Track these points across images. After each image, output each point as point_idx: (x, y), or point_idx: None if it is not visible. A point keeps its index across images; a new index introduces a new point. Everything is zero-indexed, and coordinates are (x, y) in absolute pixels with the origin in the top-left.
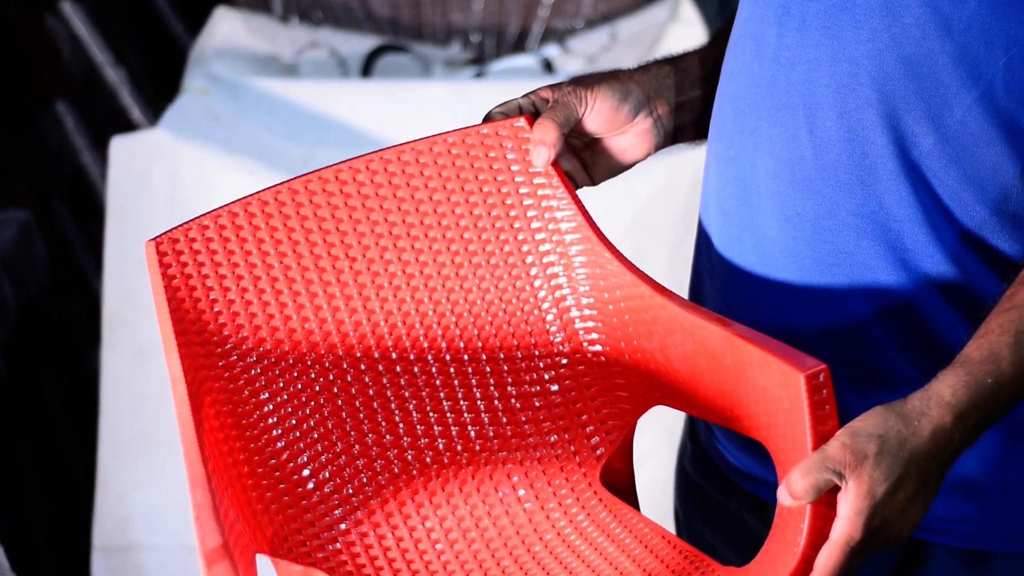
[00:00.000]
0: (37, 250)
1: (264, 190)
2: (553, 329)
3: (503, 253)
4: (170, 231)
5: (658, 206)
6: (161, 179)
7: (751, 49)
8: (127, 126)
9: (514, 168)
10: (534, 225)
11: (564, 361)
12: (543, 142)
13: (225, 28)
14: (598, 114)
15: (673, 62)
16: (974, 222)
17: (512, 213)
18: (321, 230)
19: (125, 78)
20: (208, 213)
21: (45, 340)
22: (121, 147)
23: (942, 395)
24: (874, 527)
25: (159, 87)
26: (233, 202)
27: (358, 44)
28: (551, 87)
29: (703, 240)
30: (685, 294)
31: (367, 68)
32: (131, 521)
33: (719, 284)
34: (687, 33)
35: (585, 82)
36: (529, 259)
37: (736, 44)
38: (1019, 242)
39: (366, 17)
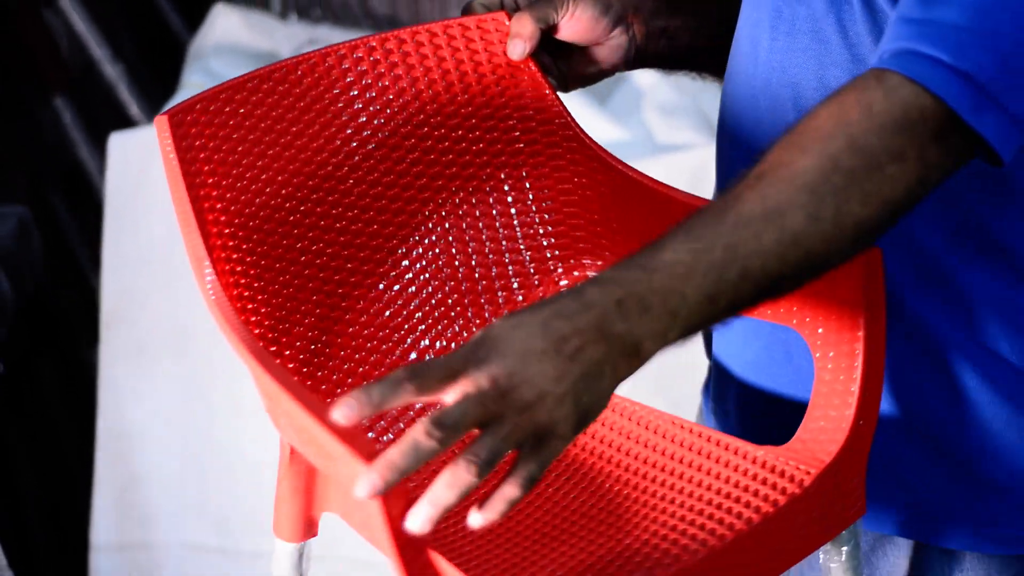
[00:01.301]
0: (34, 245)
1: (255, 71)
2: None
3: (476, 150)
4: (177, 106)
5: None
6: (159, 175)
7: (747, 51)
8: (125, 121)
9: (493, 61)
10: (509, 121)
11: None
12: (519, 35)
13: (223, 24)
14: (577, 21)
15: None
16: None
17: (486, 106)
18: (310, 109)
19: (123, 73)
20: (209, 90)
21: (43, 335)
22: (120, 143)
23: None
24: (496, 348)
25: (157, 83)
26: (232, 80)
27: None
28: None
29: None
30: None
31: None
32: (129, 518)
33: None
34: None
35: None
36: (502, 157)
37: (735, 46)
38: None
39: (364, 14)
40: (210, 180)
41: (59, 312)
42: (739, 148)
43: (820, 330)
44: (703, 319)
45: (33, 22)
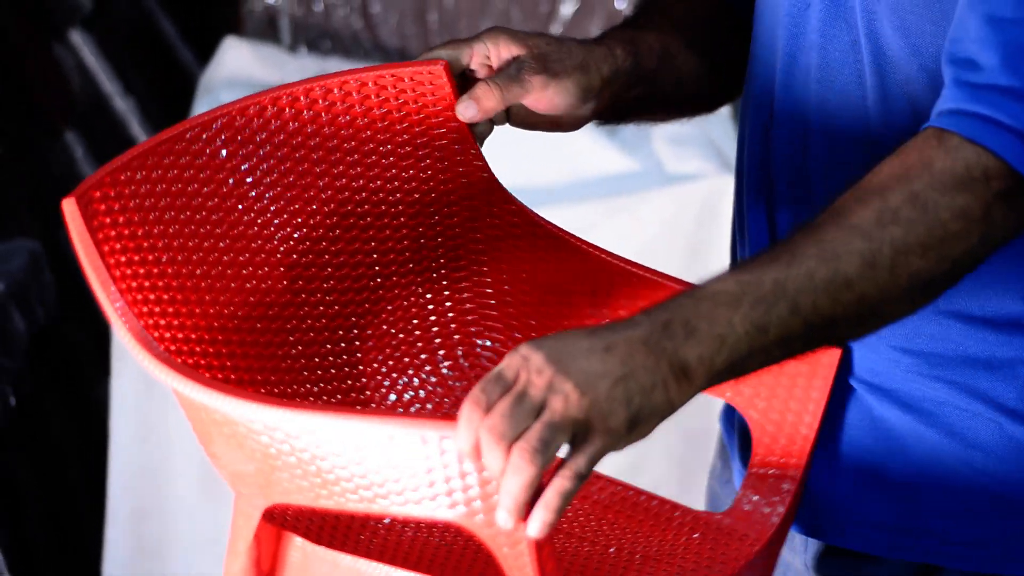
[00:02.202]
0: (46, 279)
1: (170, 129)
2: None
3: (394, 209)
4: (86, 183)
5: (665, 236)
6: None
7: (761, 94)
8: None
9: (418, 116)
10: (431, 182)
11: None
12: (480, 104)
13: (233, 58)
14: (550, 104)
15: (635, 50)
16: None
17: (407, 161)
18: (227, 168)
19: (134, 108)
20: (117, 159)
21: (54, 369)
22: None
23: None
24: (543, 346)
25: (168, 116)
26: (144, 144)
27: None
28: (523, 43)
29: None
30: None
31: None
32: (141, 551)
33: None
34: None
35: (556, 68)
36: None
37: (750, 86)
38: None
39: (374, 47)
40: (133, 257)
41: (71, 346)
42: (757, 194)
43: (769, 420)
44: (752, 349)
45: (42, 56)
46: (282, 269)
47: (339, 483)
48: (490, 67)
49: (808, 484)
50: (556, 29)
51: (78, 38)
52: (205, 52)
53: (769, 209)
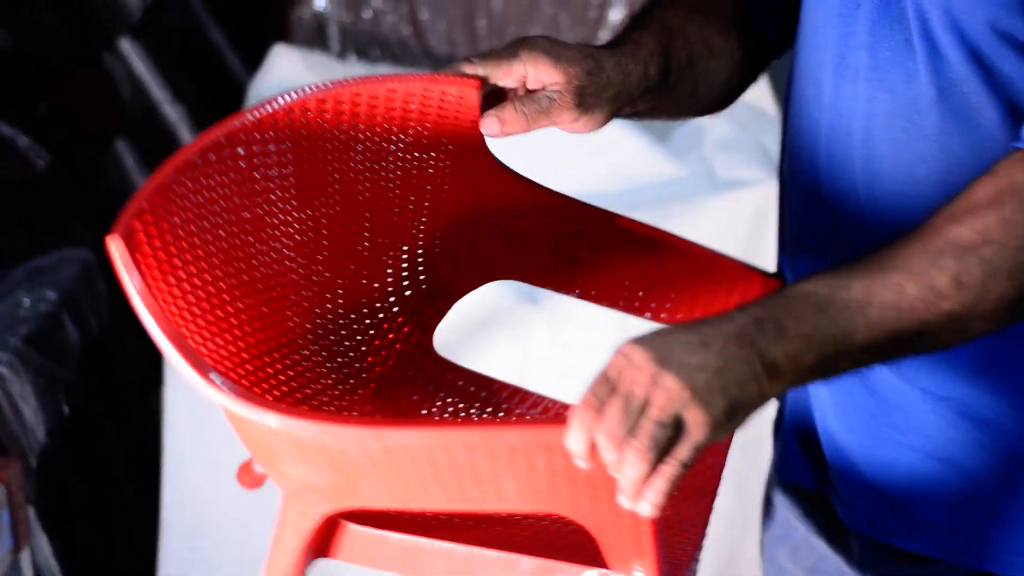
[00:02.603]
0: (98, 289)
1: (209, 132)
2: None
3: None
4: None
5: (717, 243)
6: None
7: (811, 95)
8: None
9: (445, 121)
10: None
11: None
12: (504, 127)
13: (283, 65)
14: (573, 128)
15: (666, 64)
16: None
17: (430, 171)
18: (270, 173)
19: (184, 115)
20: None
21: (107, 379)
22: None
23: None
24: (642, 344)
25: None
26: (181, 153)
27: None
28: (563, 71)
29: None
30: None
31: None
32: (194, 563)
33: None
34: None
35: (590, 101)
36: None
37: (798, 88)
38: None
39: (423, 54)
40: (183, 285)
41: (123, 356)
42: (804, 191)
43: None
44: (838, 352)
45: (93, 66)
46: (323, 278)
47: (433, 488)
48: (524, 87)
49: (868, 481)
50: (604, 35)
51: (127, 47)
52: (254, 60)
53: (818, 207)
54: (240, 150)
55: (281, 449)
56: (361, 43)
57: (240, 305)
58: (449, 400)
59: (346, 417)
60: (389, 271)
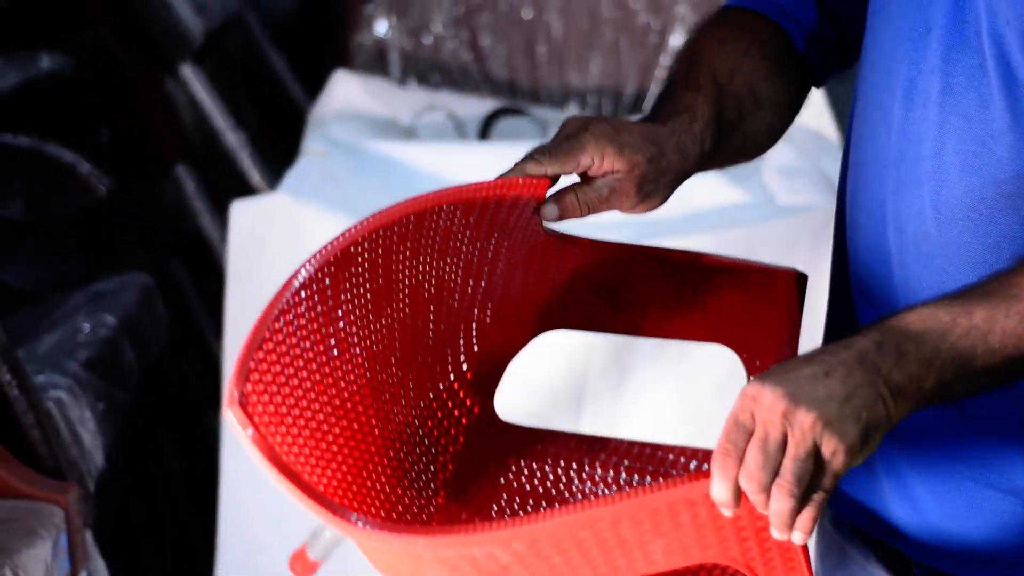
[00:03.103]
0: (158, 314)
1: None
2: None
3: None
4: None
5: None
6: (281, 241)
7: (878, 119)
8: (246, 190)
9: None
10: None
11: None
12: (564, 214)
13: (343, 91)
14: (630, 210)
15: (718, 129)
16: None
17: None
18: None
19: (244, 142)
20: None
21: (166, 402)
22: (241, 210)
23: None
24: (766, 383)
25: (278, 150)
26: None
27: (476, 107)
28: (628, 160)
29: (837, 300)
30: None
31: (485, 130)
32: None
33: None
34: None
35: (649, 189)
36: None
37: (863, 113)
38: None
39: (484, 79)
40: (303, 431)
41: (182, 379)
42: (869, 218)
43: (748, 349)
44: (957, 376)
45: (155, 91)
46: (396, 378)
47: (581, 568)
48: (586, 174)
49: (927, 514)
50: (665, 60)
51: (189, 72)
52: (315, 86)
53: (884, 233)
54: (326, 282)
55: (423, 566)
56: (422, 69)
57: (336, 430)
58: (523, 463)
59: (492, 523)
60: (450, 353)
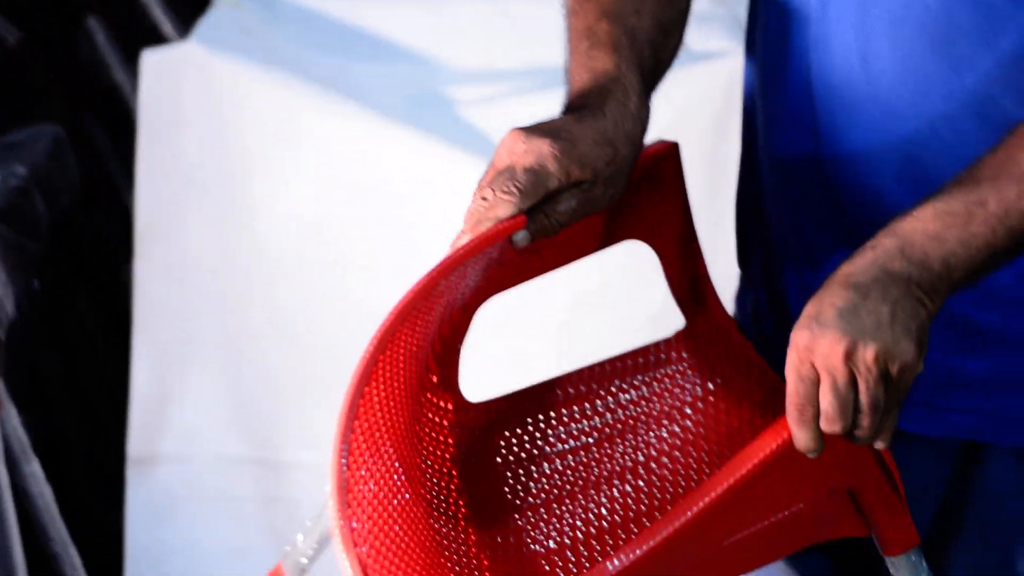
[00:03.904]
0: (69, 164)
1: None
2: None
3: None
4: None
5: (691, 115)
6: (192, 91)
7: None
8: (158, 40)
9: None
10: None
11: None
12: (536, 236)
13: None
14: (597, 208)
15: (640, 116)
16: None
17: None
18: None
19: None
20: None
21: (78, 253)
22: (152, 60)
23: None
24: (814, 330)
25: (190, 1)
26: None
27: None
28: (592, 168)
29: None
30: (728, 208)
31: None
32: (165, 432)
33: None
34: None
35: (612, 188)
36: None
37: None
38: None
39: None
40: None
41: (94, 230)
42: (789, 73)
43: (654, 235)
44: (983, 262)
45: None
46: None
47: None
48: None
49: None
50: None
51: None
52: None
53: (804, 89)
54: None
55: None
56: None
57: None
58: (512, 430)
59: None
60: (427, 369)
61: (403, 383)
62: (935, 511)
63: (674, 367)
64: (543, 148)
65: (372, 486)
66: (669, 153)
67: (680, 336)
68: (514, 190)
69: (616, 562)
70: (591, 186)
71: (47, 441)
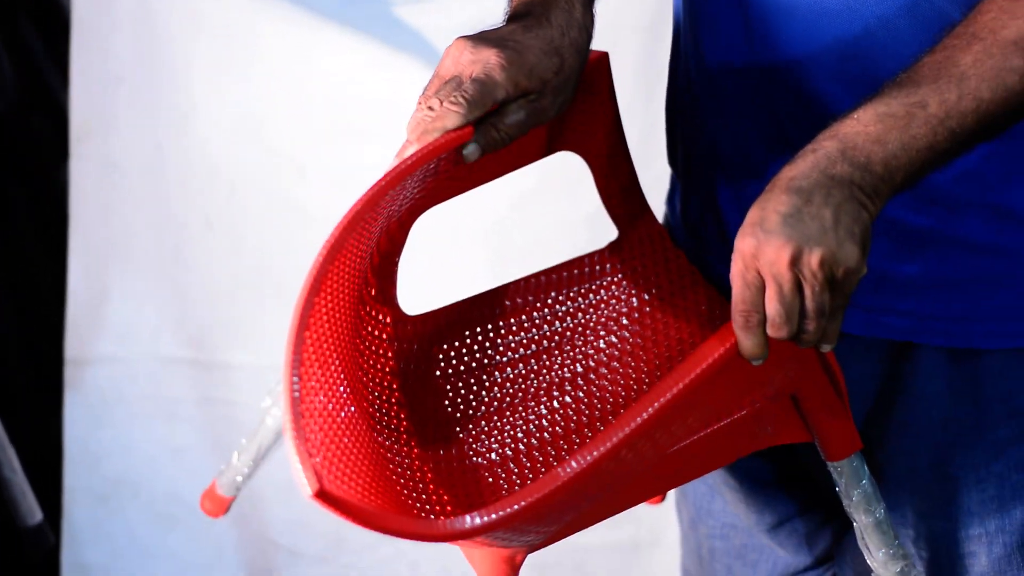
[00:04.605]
0: (3, 67)
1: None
2: None
3: None
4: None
5: (625, 12)
6: None
7: None
8: None
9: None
10: None
11: None
12: (488, 150)
13: None
14: (546, 118)
15: (585, 23)
16: None
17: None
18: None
19: None
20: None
21: (13, 154)
22: None
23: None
24: (758, 237)
25: None
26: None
27: None
28: (540, 78)
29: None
30: (661, 112)
31: None
32: (102, 332)
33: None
34: None
35: (562, 96)
36: None
37: None
38: None
39: None
40: None
41: (29, 131)
42: None
43: (590, 143)
44: (923, 164)
45: None
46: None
47: (635, 465)
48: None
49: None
50: None
51: None
52: None
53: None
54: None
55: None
56: None
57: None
58: (457, 345)
59: (553, 474)
60: (365, 281)
61: (345, 296)
62: (869, 409)
63: (609, 278)
64: (491, 58)
65: (322, 398)
66: (599, 63)
67: (613, 247)
68: (461, 100)
69: (568, 468)
70: (539, 97)
71: None
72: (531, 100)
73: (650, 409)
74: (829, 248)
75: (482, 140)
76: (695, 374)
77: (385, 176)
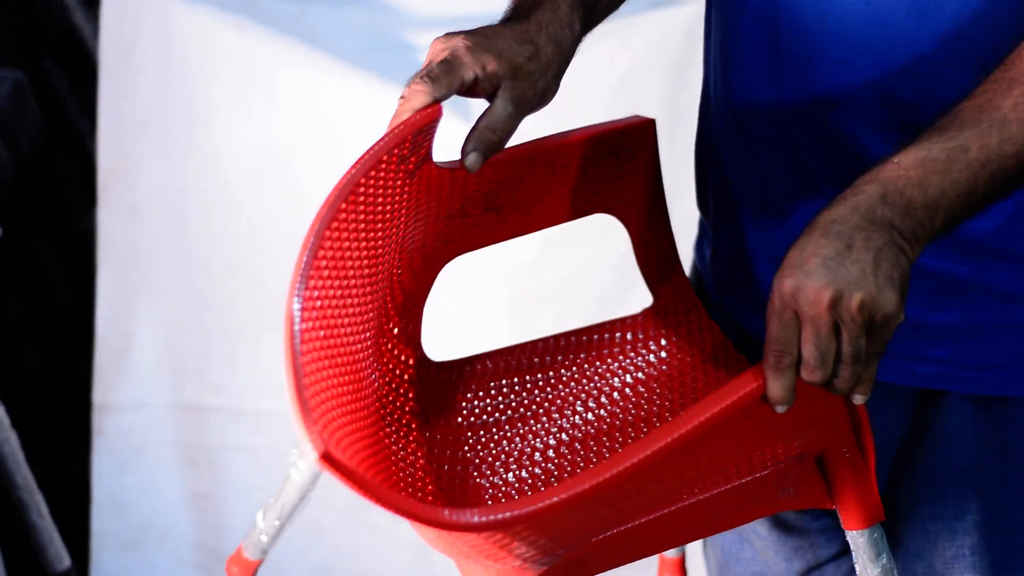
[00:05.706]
0: (30, 109)
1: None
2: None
3: None
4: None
5: (651, 61)
6: (153, 36)
7: None
8: None
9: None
10: None
11: None
12: (486, 152)
13: None
14: (533, 111)
15: (569, 23)
16: None
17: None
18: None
19: None
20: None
21: (40, 200)
22: (112, 5)
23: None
24: (798, 278)
25: None
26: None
27: None
28: (511, 62)
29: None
30: (686, 151)
31: None
32: (129, 380)
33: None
34: None
35: (539, 83)
36: None
37: None
38: None
39: None
40: None
41: (56, 176)
42: (751, 20)
43: (624, 209)
44: (963, 208)
45: None
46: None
47: (643, 498)
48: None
49: None
50: None
51: None
52: None
53: (768, 29)
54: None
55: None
56: None
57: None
58: (481, 395)
59: (568, 483)
60: (384, 313)
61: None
62: (892, 457)
63: (641, 346)
64: (457, 42)
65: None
66: (644, 128)
67: (647, 313)
68: (427, 79)
69: (573, 485)
70: (514, 82)
71: (12, 387)
72: (509, 87)
73: (666, 439)
74: (869, 292)
75: (479, 146)
76: (716, 409)
77: (356, 162)
